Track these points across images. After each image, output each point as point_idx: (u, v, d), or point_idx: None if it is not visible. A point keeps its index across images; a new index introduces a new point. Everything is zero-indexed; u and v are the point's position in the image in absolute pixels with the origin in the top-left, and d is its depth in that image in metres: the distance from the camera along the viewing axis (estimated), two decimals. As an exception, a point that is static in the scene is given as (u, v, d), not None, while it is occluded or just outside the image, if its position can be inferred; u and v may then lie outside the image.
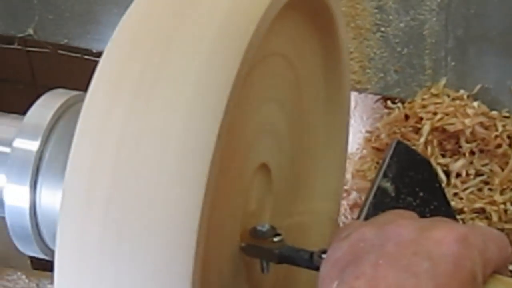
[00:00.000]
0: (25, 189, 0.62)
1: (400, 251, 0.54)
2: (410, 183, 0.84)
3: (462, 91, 1.30)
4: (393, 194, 0.81)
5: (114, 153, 0.52)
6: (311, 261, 0.63)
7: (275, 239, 0.66)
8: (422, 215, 0.82)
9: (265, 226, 0.66)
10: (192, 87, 0.53)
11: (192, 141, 0.51)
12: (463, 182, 1.22)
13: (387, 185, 0.81)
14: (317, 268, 0.59)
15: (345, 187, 1.24)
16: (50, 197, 0.62)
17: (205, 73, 0.53)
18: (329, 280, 0.56)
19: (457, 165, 1.21)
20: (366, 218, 0.78)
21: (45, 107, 0.64)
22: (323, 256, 0.59)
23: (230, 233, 0.64)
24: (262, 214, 0.71)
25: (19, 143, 0.63)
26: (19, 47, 1.41)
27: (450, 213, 0.94)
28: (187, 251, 0.51)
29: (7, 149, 0.63)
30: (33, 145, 0.62)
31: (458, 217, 1.15)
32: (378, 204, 0.80)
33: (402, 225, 0.56)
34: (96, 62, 0.55)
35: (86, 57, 1.38)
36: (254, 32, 0.55)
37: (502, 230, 1.15)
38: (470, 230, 0.55)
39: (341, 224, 1.13)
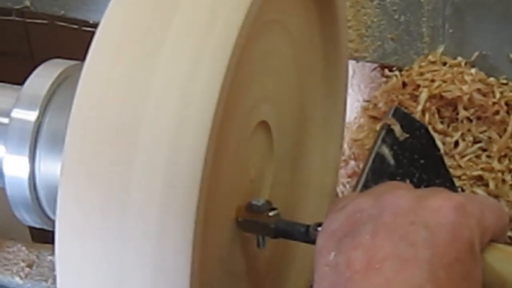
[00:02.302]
0: (24, 159, 0.62)
1: (397, 220, 0.54)
2: (409, 149, 0.84)
3: (459, 58, 1.30)
4: (392, 161, 0.81)
5: (116, 116, 0.52)
6: (307, 235, 0.63)
7: (271, 214, 0.65)
8: (421, 181, 0.82)
9: (261, 200, 0.65)
10: (193, 45, 0.52)
11: (195, 96, 0.51)
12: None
13: (386, 151, 0.81)
14: (313, 242, 0.59)
15: (343, 157, 1.24)
16: (49, 167, 0.62)
17: (206, 34, 0.53)
18: (326, 252, 0.55)
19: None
20: (365, 184, 0.78)
21: (43, 77, 0.64)
22: (319, 229, 0.59)
23: (228, 204, 0.64)
24: (261, 184, 0.71)
25: (17, 113, 0.63)
26: (16, 18, 1.40)
27: (449, 180, 0.94)
28: (188, 214, 0.51)
29: (5, 120, 0.63)
30: (32, 115, 0.62)
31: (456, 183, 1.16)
32: (377, 170, 0.80)
33: (399, 195, 0.56)
34: (93, 33, 0.55)
35: (83, 28, 1.37)
36: None
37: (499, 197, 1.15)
38: (468, 199, 0.55)
39: (339, 194, 1.13)
